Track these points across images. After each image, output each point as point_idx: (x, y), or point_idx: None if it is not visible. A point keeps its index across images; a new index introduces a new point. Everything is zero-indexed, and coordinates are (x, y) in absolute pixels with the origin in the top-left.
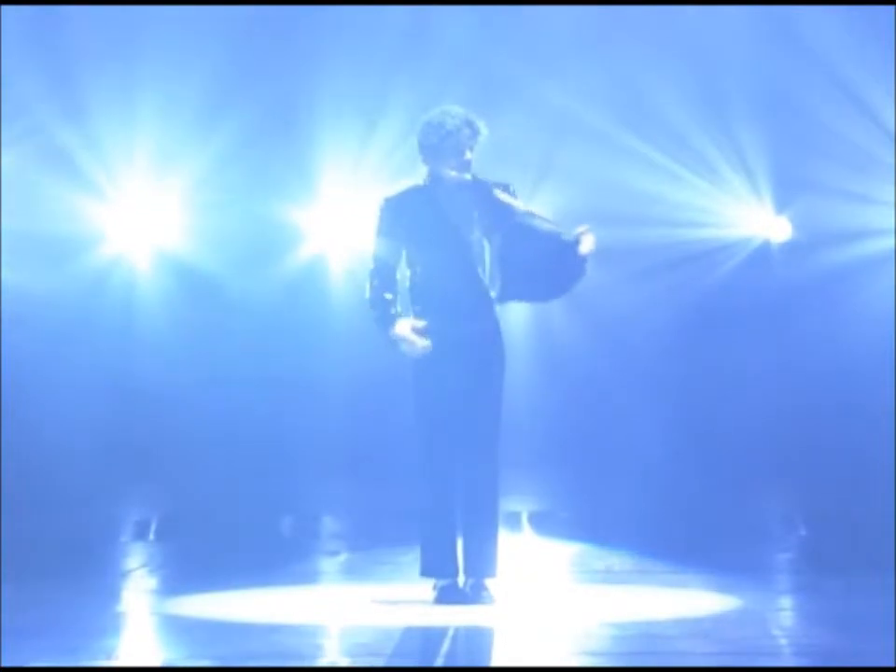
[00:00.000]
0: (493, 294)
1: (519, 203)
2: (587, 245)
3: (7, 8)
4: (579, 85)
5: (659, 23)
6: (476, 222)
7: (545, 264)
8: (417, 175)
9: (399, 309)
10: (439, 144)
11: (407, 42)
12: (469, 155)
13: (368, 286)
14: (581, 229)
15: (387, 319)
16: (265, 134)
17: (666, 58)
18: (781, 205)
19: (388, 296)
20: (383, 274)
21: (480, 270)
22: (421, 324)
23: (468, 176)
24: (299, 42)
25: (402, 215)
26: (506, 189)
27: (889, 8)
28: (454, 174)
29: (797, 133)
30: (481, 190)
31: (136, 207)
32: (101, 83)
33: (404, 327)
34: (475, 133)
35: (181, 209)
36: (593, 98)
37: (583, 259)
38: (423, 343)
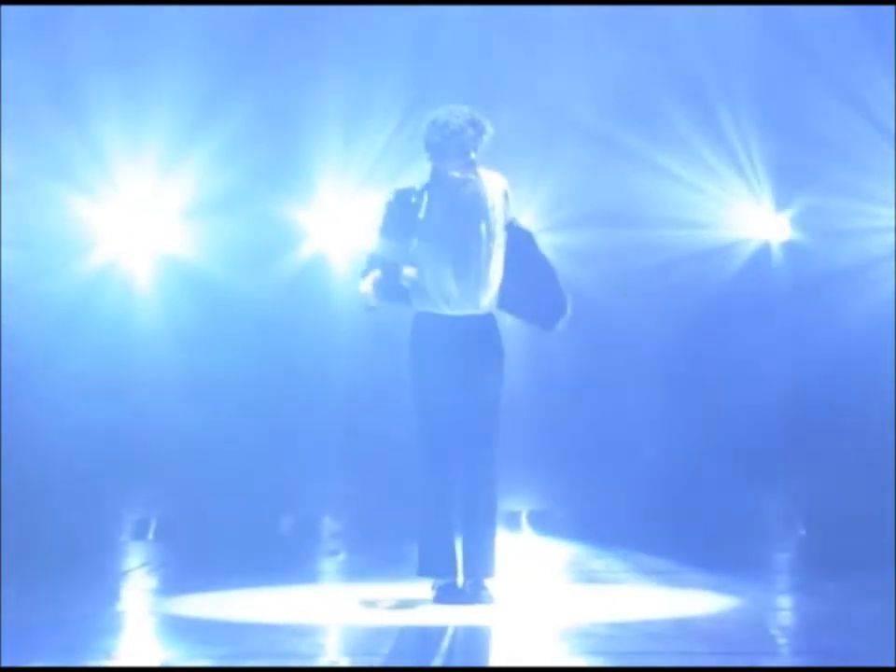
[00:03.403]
0: (491, 292)
1: (517, 217)
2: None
3: (7, 9)
4: (578, 84)
5: (659, 23)
6: (478, 221)
7: (535, 290)
8: (420, 173)
9: (376, 272)
10: (443, 143)
11: (407, 41)
12: (473, 155)
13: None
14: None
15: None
16: (264, 134)
17: (666, 57)
18: (781, 205)
19: (368, 266)
20: (375, 257)
21: (479, 267)
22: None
23: (472, 176)
24: (298, 42)
25: (405, 210)
26: (504, 195)
27: (889, 8)
28: (457, 174)
29: (797, 132)
30: (486, 190)
31: (134, 208)
32: (99, 84)
33: (365, 282)
34: (480, 132)
35: (179, 210)
36: (592, 97)
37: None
38: (367, 288)
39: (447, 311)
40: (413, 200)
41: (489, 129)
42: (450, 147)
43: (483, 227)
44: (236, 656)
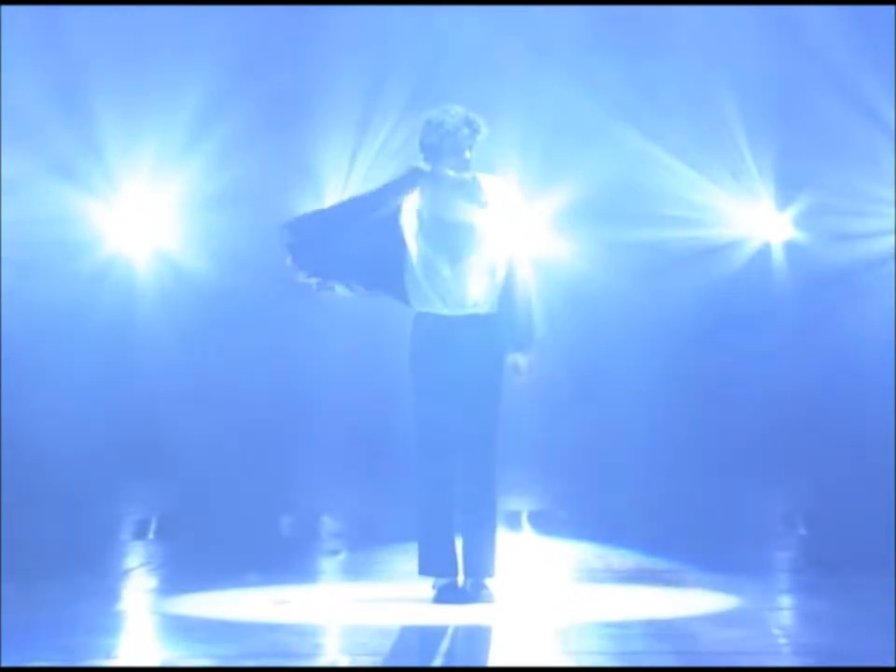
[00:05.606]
0: (491, 292)
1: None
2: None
3: (7, 9)
4: (582, 83)
5: (662, 23)
6: (474, 219)
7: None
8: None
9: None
10: (438, 143)
11: (408, 41)
12: (468, 154)
13: None
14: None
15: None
16: (266, 134)
17: (669, 57)
18: (783, 205)
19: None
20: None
21: (476, 266)
22: None
23: (467, 175)
24: (300, 42)
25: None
26: (506, 201)
27: (889, 8)
28: (451, 172)
29: (798, 132)
30: (483, 190)
31: (134, 208)
32: (100, 83)
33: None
34: (474, 132)
35: (179, 210)
36: (595, 96)
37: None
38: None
39: (446, 311)
40: (407, 198)
41: (484, 128)
42: (445, 147)
43: (479, 226)
44: (236, 656)
